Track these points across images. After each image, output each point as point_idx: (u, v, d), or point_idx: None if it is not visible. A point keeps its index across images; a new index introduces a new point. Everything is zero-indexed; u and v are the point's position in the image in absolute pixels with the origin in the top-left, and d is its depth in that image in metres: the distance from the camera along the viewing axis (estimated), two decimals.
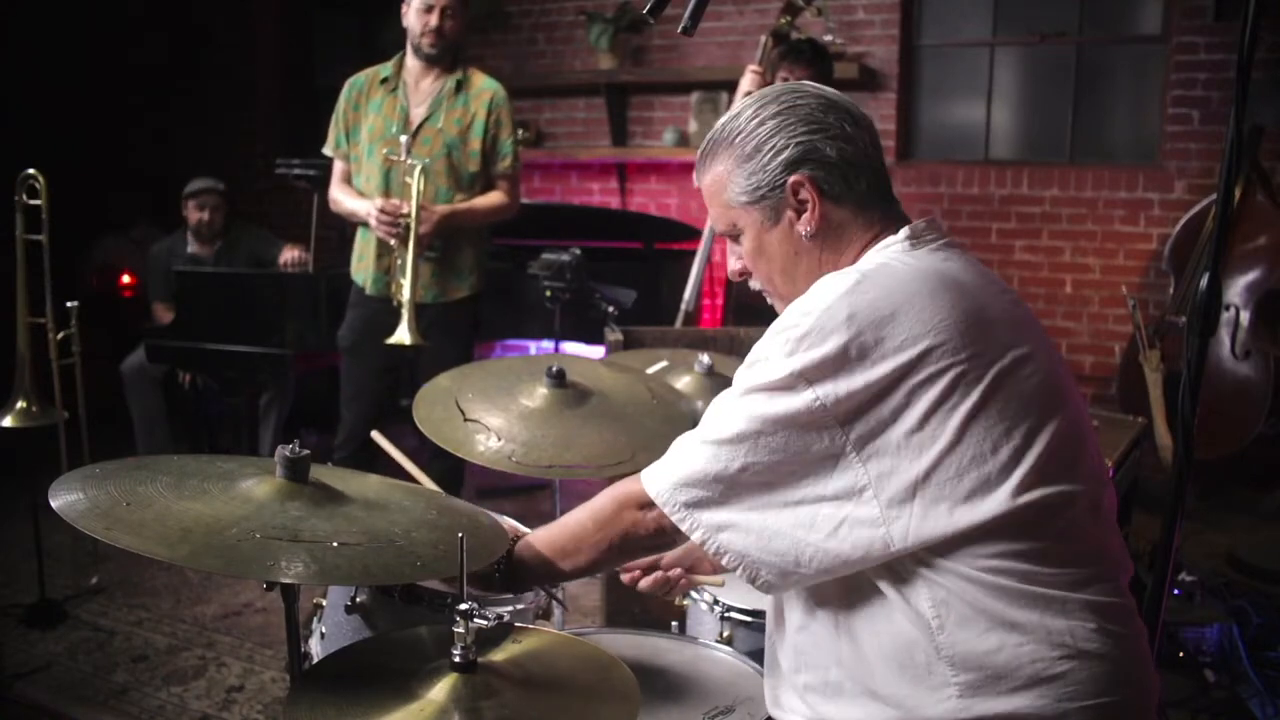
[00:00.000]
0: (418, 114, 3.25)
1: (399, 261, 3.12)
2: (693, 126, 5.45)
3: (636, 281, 4.28)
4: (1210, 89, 4.56)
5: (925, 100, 5.25)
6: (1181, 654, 2.87)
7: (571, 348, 4.03)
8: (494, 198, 3.31)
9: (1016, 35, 5.02)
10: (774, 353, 1.24)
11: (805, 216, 1.35)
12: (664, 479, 1.32)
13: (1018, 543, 1.19)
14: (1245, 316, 4.05)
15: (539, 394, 1.99)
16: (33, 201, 3.23)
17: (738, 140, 1.36)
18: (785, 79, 3.74)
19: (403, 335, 3.02)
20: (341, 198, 3.34)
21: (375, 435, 1.98)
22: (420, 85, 3.27)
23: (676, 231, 5.00)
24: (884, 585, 1.24)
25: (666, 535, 1.36)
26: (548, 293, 3.61)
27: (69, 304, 3.28)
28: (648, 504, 1.34)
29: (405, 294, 3.05)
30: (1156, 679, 1.30)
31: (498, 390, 2.02)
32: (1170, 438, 3.78)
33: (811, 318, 1.22)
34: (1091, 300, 4.87)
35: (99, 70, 5.96)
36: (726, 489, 1.27)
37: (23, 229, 3.25)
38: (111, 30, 5.96)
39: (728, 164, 1.38)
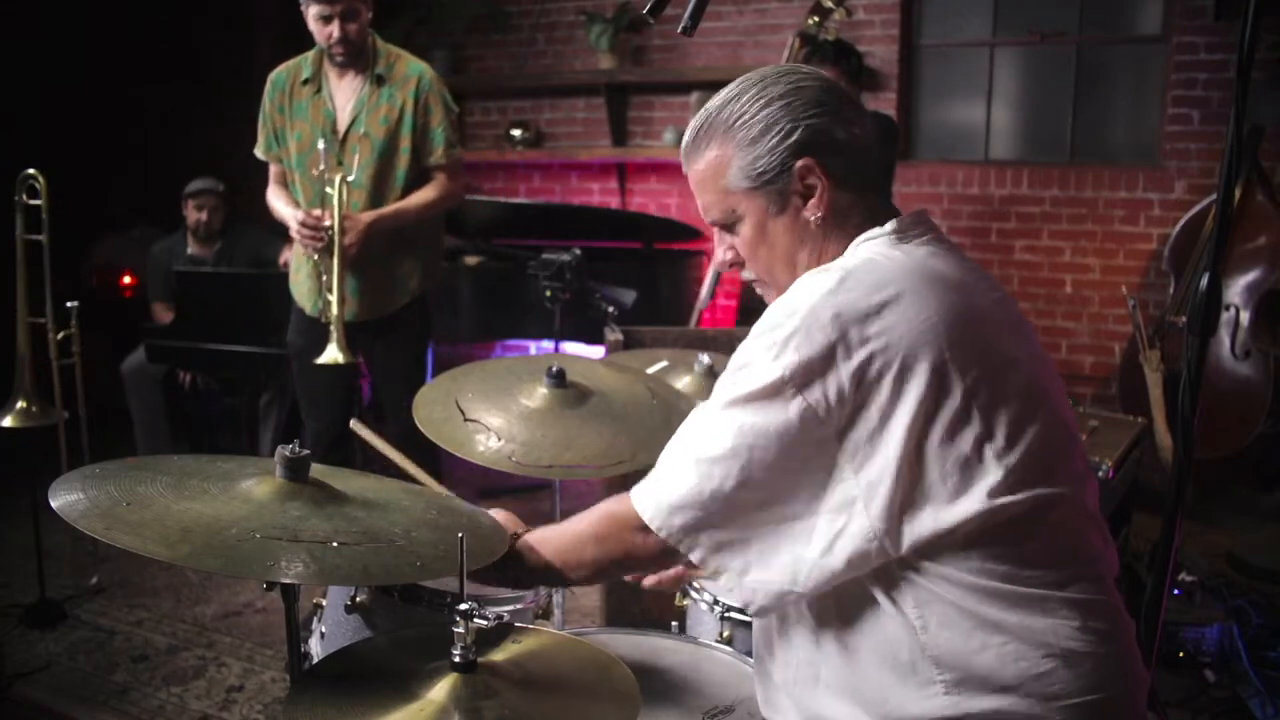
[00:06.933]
0: (344, 118, 3.07)
1: (324, 277, 2.99)
2: None
3: (636, 281, 4.28)
4: (1210, 89, 4.56)
5: (925, 100, 5.25)
6: (1181, 654, 2.87)
7: (571, 348, 4.03)
8: (427, 193, 3.10)
9: (1016, 35, 5.02)
10: (759, 356, 1.22)
11: (813, 202, 1.31)
12: (657, 503, 1.28)
13: (999, 546, 1.19)
14: (1245, 316, 4.05)
15: (539, 394, 1.99)
16: (33, 201, 3.22)
17: (739, 123, 1.30)
18: None
19: (333, 354, 2.93)
20: (274, 202, 3.19)
21: (354, 424, 1.96)
22: (342, 83, 3.09)
23: (676, 231, 5.01)
24: (870, 588, 1.24)
25: (670, 554, 1.31)
26: (548, 293, 3.60)
27: (69, 304, 3.27)
28: (645, 527, 1.30)
29: (333, 310, 2.94)
30: (1145, 674, 1.30)
31: (498, 390, 2.02)
32: (1170, 438, 3.77)
33: (797, 318, 1.20)
34: (1091, 300, 4.87)
35: (99, 70, 5.95)
36: (723, 507, 1.24)
37: (23, 229, 3.25)
38: (111, 30, 5.95)
39: (728, 147, 1.31)
